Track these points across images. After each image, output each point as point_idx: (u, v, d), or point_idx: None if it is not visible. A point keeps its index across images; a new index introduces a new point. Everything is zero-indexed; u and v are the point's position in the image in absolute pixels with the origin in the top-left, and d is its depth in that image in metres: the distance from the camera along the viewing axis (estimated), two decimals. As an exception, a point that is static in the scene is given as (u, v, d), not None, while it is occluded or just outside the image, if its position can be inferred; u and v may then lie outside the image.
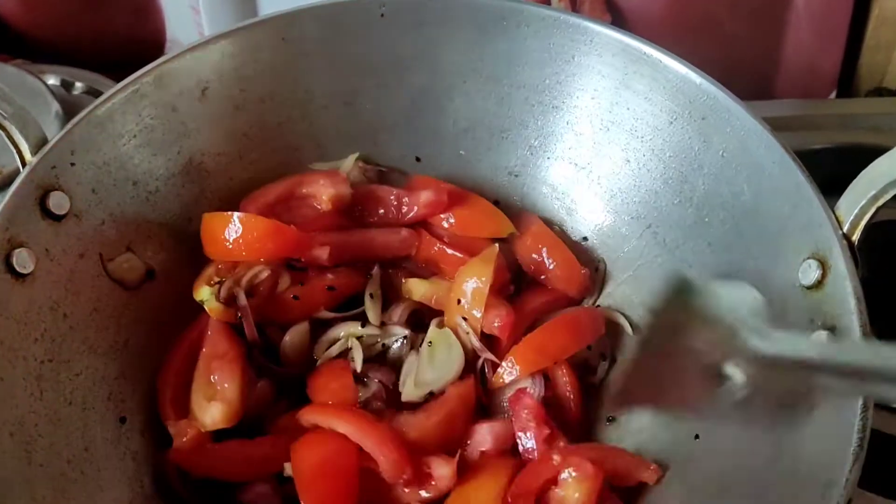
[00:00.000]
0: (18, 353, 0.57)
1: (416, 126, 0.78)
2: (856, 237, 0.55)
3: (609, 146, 0.72)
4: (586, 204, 0.74)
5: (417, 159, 0.78)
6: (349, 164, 0.76)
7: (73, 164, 0.63)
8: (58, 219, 0.62)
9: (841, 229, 0.55)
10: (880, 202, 0.54)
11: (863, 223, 0.54)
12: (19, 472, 0.52)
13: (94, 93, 0.99)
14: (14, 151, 0.62)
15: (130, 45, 1.13)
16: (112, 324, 0.65)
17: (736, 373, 0.47)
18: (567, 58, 0.71)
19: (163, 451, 0.63)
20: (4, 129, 0.62)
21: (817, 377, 0.44)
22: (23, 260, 0.59)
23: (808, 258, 0.56)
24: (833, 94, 1.07)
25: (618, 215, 0.73)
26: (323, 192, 0.73)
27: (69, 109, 0.91)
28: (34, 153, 0.62)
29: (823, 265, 0.55)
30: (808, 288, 0.56)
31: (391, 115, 0.77)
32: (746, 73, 1.07)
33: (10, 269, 0.58)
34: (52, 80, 1.02)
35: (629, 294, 0.72)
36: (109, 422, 0.62)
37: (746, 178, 0.62)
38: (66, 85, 1.04)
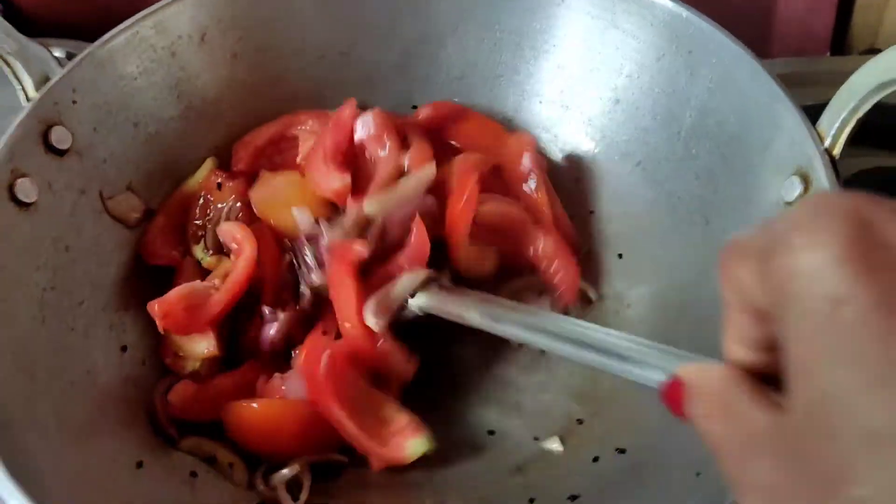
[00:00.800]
0: (21, 279, 0.58)
1: (411, 74, 0.79)
2: (837, 151, 0.56)
3: (599, 87, 0.73)
4: (577, 144, 0.76)
5: (414, 107, 0.79)
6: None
7: (74, 102, 0.65)
8: (60, 153, 0.64)
9: (822, 145, 0.56)
10: (859, 114, 0.55)
11: (843, 137, 0.56)
12: (21, 390, 0.54)
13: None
14: (18, 87, 0.64)
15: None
16: (113, 260, 0.67)
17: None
18: (557, 1, 0.73)
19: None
20: (8, 65, 0.63)
21: None
22: (25, 189, 0.60)
23: (791, 175, 0.57)
24: (826, 56, 1.08)
25: (608, 154, 0.74)
26: (312, 133, 0.75)
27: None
28: (37, 90, 0.64)
29: (806, 180, 0.56)
30: (790, 203, 0.57)
31: (386, 64, 0.79)
32: (739, 34, 1.08)
33: (14, 197, 0.59)
34: (57, 52, 1.04)
35: (620, 231, 0.73)
36: (111, 350, 0.63)
37: (732, 106, 0.64)
38: (71, 57, 1.06)
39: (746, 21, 1.07)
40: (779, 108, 0.59)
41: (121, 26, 0.68)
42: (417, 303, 0.62)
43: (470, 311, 0.59)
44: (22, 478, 0.46)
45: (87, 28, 1.07)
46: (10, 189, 0.59)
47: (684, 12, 0.66)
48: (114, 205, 0.67)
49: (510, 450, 0.64)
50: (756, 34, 1.07)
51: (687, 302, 0.65)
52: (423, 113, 0.75)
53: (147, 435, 0.60)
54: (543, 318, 0.55)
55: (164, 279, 0.69)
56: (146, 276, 0.69)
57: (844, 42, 1.09)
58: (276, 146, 0.75)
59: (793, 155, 0.57)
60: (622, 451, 0.60)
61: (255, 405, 0.61)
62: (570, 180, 0.76)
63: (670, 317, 0.66)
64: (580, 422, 0.65)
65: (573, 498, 0.58)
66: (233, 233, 0.67)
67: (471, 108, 0.78)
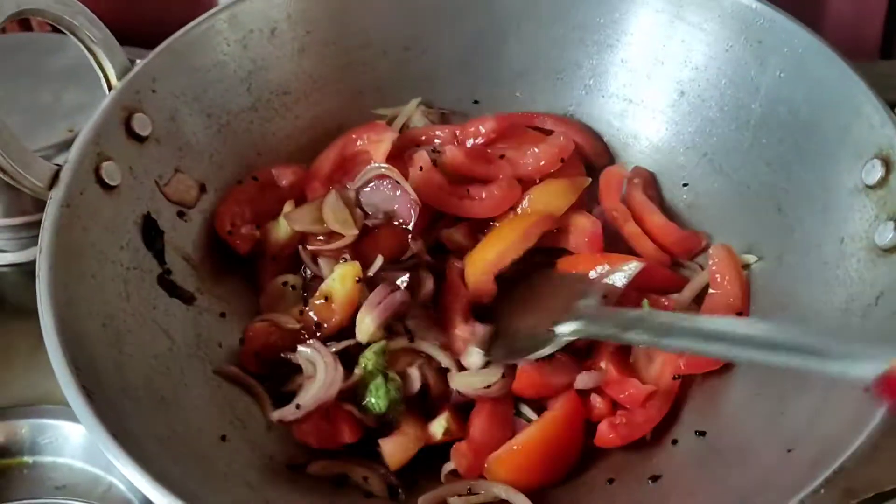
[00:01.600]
0: (107, 257, 0.60)
1: (473, 69, 0.80)
2: (918, 133, 0.56)
3: (663, 80, 0.74)
4: (642, 138, 0.76)
5: (475, 102, 0.80)
6: (411, 108, 0.79)
7: (154, 91, 0.67)
8: (141, 140, 0.65)
9: (903, 127, 0.56)
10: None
11: (924, 120, 0.56)
12: (111, 358, 0.55)
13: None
14: (101, 75, 0.66)
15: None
16: (190, 242, 0.68)
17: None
18: (621, -5, 0.74)
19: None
20: (93, 54, 0.65)
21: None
22: (111, 172, 0.62)
23: (872, 159, 0.57)
24: (877, 60, 1.08)
25: (674, 147, 0.74)
26: (372, 148, 0.75)
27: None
28: (119, 78, 0.65)
29: (887, 162, 0.56)
30: (872, 187, 0.57)
31: (449, 59, 0.80)
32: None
33: (100, 180, 0.61)
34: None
35: (689, 219, 0.73)
36: (189, 328, 0.64)
37: (805, 94, 0.64)
38: (132, 63, 1.08)
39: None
40: (855, 93, 0.60)
41: (197, 20, 0.70)
42: (568, 329, 0.60)
43: (629, 330, 0.55)
44: (119, 436, 0.47)
45: (143, 37, 1.10)
46: (97, 171, 0.61)
47: (754, 3, 0.67)
48: (171, 190, 0.68)
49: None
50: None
51: (758, 291, 0.65)
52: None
53: (230, 411, 0.61)
54: (715, 323, 0.52)
55: (241, 259, 0.70)
56: (224, 256, 0.70)
57: (893, 50, 1.09)
58: (341, 169, 0.75)
59: (873, 139, 0.58)
60: (702, 433, 0.59)
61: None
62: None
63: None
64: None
65: (654, 479, 0.57)
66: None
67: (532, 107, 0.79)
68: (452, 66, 0.80)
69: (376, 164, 0.71)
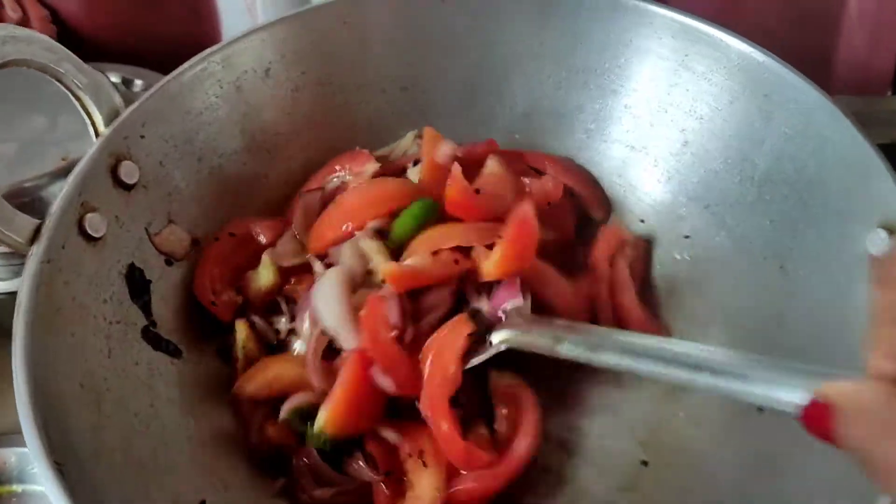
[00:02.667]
0: (90, 312, 0.58)
1: (473, 110, 0.79)
2: (927, 204, 0.54)
3: (667, 128, 0.72)
4: (643, 186, 0.74)
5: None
6: (408, 141, 0.77)
7: (143, 137, 0.65)
8: (128, 188, 0.64)
9: (911, 196, 0.54)
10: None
11: (933, 191, 0.54)
12: (88, 421, 0.53)
13: (154, 88, 1.02)
14: (88, 122, 0.64)
15: (187, 46, 1.16)
16: (177, 292, 0.67)
17: None
18: (626, 41, 0.72)
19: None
20: (79, 100, 0.64)
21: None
22: (95, 224, 0.60)
23: (877, 227, 0.55)
24: (889, 94, 1.06)
25: (675, 196, 0.72)
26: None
27: (130, 105, 0.95)
28: (107, 124, 0.64)
29: (893, 232, 0.54)
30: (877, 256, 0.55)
31: (447, 99, 0.79)
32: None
33: (83, 232, 0.59)
34: (114, 78, 1.05)
35: (689, 275, 0.71)
36: (173, 385, 0.62)
37: (811, 152, 0.62)
38: (127, 82, 1.08)
39: (807, 60, 1.06)
40: (861, 156, 0.58)
41: (190, 61, 0.69)
42: (500, 338, 0.59)
43: (561, 343, 0.55)
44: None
45: (138, 53, 1.09)
46: (80, 224, 0.59)
47: (760, 56, 0.65)
48: (161, 241, 0.66)
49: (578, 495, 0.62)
50: (816, 73, 1.05)
51: (760, 349, 0.63)
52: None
53: (210, 473, 0.59)
54: (650, 341, 0.51)
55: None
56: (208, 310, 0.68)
57: (906, 82, 1.07)
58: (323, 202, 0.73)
59: (878, 205, 0.56)
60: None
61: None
62: (635, 221, 0.75)
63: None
64: (645, 464, 0.63)
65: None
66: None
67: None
68: (451, 106, 0.79)
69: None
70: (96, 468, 0.51)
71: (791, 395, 0.35)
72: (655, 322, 0.69)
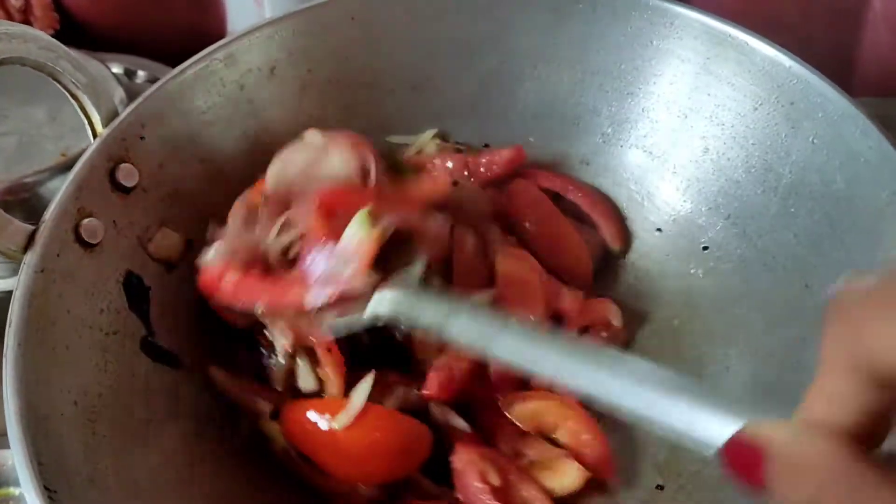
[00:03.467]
0: (85, 323, 0.56)
1: (485, 112, 0.76)
2: (963, 225, 0.51)
3: (687, 134, 0.69)
4: (661, 194, 0.72)
5: (486, 146, 0.76)
6: (426, 138, 0.75)
7: (142, 138, 0.63)
8: (126, 191, 0.61)
9: (947, 216, 0.52)
10: None
11: (973, 209, 0.51)
12: (82, 442, 0.51)
13: (156, 81, 1.00)
14: (86, 123, 0.62)
15: (192, 36, 1.13)
16: (175, 298, 0.64)
17: None
18: (645, 42, 0.69)
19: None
20: (77, 100, 0.62)
21: None
22: (92, 229, 0.58)
23: (910, 249, 0.53)
24: (912, 95, 1.03)
25: (695, 206, 0.70)
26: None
27: (133, 97, 0.92)
28: (105, 125, 0.62)
29: (926, 256, 0.51)
30: (911, 279, 0.52)
31: (459, 100, 0.76)
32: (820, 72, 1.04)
33: (79, 238, 0.57)
34: (116, 69, 1.03)
35: (707, 289, 0.68)
36: (172, 397, 0.60)
37: (839, 165, 0.59)
38: (129, 73, 1.05)
39: (829, 59, 1.02)
40: (894, 172, 0.55)
41: (191, 60, 0.66)
42: (377, 307, 0.49)
43: (451, 322, 0.45)
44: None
45: (141, 43, 1.07)
46: (76, 230, 0.57)
47: (787, 61, 0.62)
48: (155, 248, 0.64)
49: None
50: (839, 73, 1.02)
51: (783, 372, 0.61)
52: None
53: (211, 495, 0.57)
54: (555, 339, 0.43)
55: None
56: (209, 315, 0.66)
57: (931, 83, 1.03)
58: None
59: (911, 226, 0.53)
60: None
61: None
62: (651, 230, 0.72)
63: (761, 386, 0.62)
64: (660, 488, 0.61)
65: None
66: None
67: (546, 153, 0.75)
68: (463, 106, 0.76)
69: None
70: (89, 492, 0.49)
71: (716, 431, 0.30)
72: None
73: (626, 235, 0.73)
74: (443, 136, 0.76)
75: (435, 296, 0.49)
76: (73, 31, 1.11)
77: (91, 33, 1.13)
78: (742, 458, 0.28)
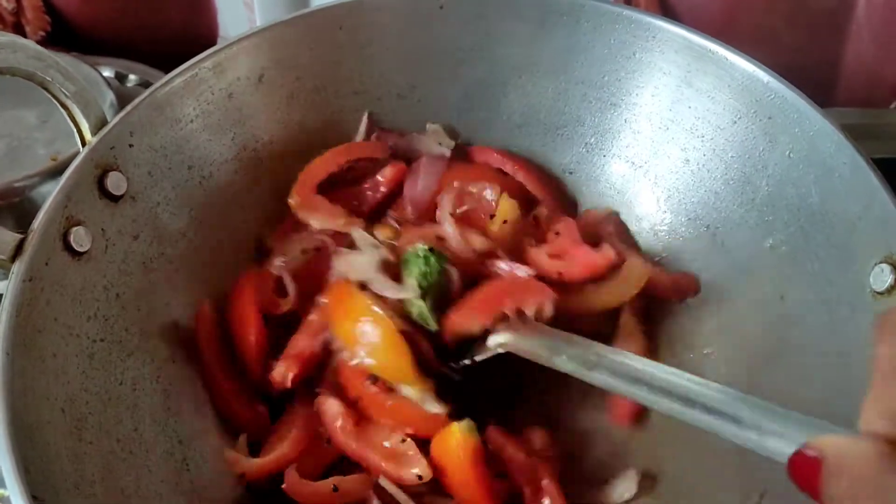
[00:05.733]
0: (73, 331, 0.57)
1: (469, 120, 0.77)
2: (933, 241, 0.53)
3: (668, 145, 0.71)
4: (642, 204, 0.73)
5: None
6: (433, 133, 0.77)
7: (131, 146, 0.64)
8: (115, 199, 0.62)
9: (918, 232, 0.53)
10: (961, 202, 0.51)
11: (942, 226, 0.52)
12: (69, 449, 0.52)
13: (147, 85, 0.99)
14: (75, 131, 0.63)
15: (183, 40, 1.13)
16: (163, 305, 0.65)
17: None
18: (628, 54, 0.70)
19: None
20: (66, 108, 0.62)
21: None
22: (80, 238, 0.59)
23: (881, 262, 0.54)
24: (895, 104, 1.04)
25: (675, 216, 0.71)
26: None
27: (123, 101, 0.92)
28: (94, 133, 0.62)
29: (897, 269, 0.53)
30: (880, 293, 0.54)
31: (444, 108, 0.77)
32: (805, 82, 1.05)
33: (68, 246, 0.58)
34: (107, 72, 1.03)
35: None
36: (158, 404, 0.61)
37: (814, 179, 0.61)
38: (120, 77, 1.06)
39: (814, 70, 1.04)
40: (867, 188, 0.56)
41: (180, 68, 0.67)
42: (498, 340, 0.59)
43: (558, 354, 0.54)
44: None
45: (133, 46, 1.07)
46: (65, 238, 0.58)
47: (765, 77, 0.63)
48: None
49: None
50: (822, 82, 1.04)
51: (757, 383, 0.62)
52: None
53: (197, 501, 0.58)
54: (647, 367, 0.50)
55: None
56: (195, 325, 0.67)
57: (914, 92, 1.05)
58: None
59: (883, 239, 0.54)
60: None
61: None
62: (627, 240, 0.73)
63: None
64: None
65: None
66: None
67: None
68: (448, 115, 0.77)
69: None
70: (76, 499, 0.50)
71: (782, 443, 0.34)
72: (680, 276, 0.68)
73: (567, 210, 0.75)
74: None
75: (540, 332, 0.59)
76: (64, 34, 1.11)
77: (82, 36, 1.14)
78: (804, 468, 0.30)
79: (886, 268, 0.53)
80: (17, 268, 0.54)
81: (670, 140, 0.70)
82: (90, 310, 0.59)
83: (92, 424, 0.55)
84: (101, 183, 0.61)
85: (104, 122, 0.63)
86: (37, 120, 0.90)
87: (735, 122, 0.66)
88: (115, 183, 0.62)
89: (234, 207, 0.72)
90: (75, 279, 0.58)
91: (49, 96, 0.63)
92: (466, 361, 0.62)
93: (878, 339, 0.30)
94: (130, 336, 0.61)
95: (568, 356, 0.54)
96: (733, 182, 0.67)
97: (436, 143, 0.76)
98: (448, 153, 0.76)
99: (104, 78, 0.97)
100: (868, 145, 0.89)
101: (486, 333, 0.61)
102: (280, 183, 0.73)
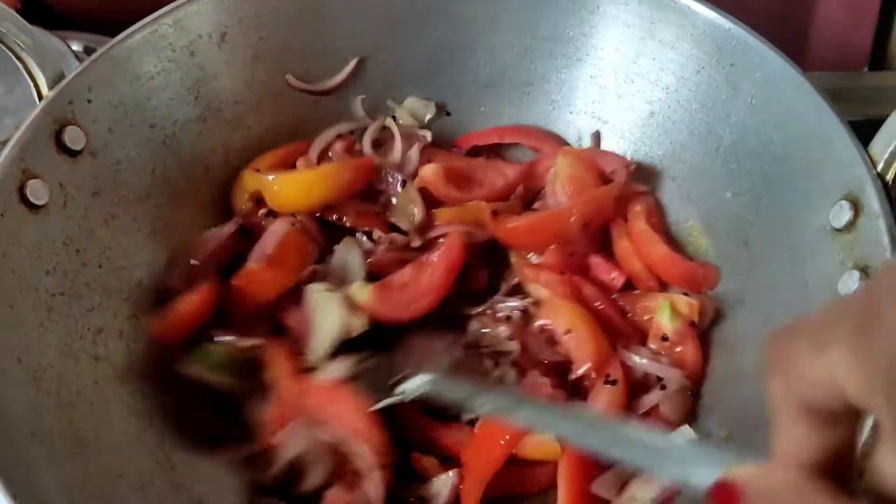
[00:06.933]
0: (30, 284, 0.56)
1: (438, 81, 0.77)
2: (890, 176, 0.53)
3: (633, 98, 0.71)
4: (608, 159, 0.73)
5: (447, 114, 0.77)
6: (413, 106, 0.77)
7: (89, 101, 0.63)
8: (73, 154, 0.61)
9: (875, 169, 0.53)
10: (916, 139, 0.52)
11: (897, 162, 0.52)
12: (25, 398, 0.51)
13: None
14: (31, 84, 0.62)
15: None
16: (125, 263, 0.64)
17: None
18: (592, 8, 0.70)
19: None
20: (22, 61, 0.61)
21: None
22: (36, 191, 0.58)
23: (840, 200, 0.54)
24: (864, 71, 1.05)
25: (640, 168, 0.71)
26: None
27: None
28: (51, 87, 0.62)
29: (856, 206, 0.53)
30: (839, 230, 0.54)
31: (411, 69, 0.76)
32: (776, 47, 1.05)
33: (24, 199, 0.57)
34: (76, 46, 1.02)
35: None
36: (120, 359, 0.61)
37: (776, 124, 0.61)
38: (90, 51, 1.04)
39: (783, 33, 1.03)
40: (827, 128, 0.56)
41: (140, 24, 0.66)
42: (411, 386, 0.57)
43: (477, 400, 0.53)
44: (22, 494, 0.44)
45: (107, 22, 1.06)
46: (21, 191, 0.57)
47: (727, 24, 0.63)
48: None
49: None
50: (792, 47, 1.03)
51: (718, 332, 0.62)
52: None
53: (155, 452, 0.58)
54: (565, 410, 0.50)
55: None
56: (158, 281, 0.66)
57: (884, 58, 1.05)
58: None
59: (842, 178, 0.54)
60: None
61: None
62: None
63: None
64: None
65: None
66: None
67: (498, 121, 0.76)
68: (415, 75, 0.77)
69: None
70: (31, 449, 0.49)
71: (703, 475, 0.33)
72: (699, 266, 0.66)
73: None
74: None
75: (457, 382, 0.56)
76: (35, 10, 1.10)
77: (52, 10, 1.12)
78: (725, 497, 0.31)
79: (846, 204, 0.53)
80: (-29, 219, 0.54)
81: (635, 93, 0.70)
82: (48, 264, 0.58)
83: (49, 376, 0.54)
84: (58, 137, 0.60)
85: (61, 77, 0.62)
86: (3, 90, 0.89)
87: (698, 72, 0.66)
88: (72, 138, 0.61)
89: (199, 168, 0.71)
90: (33, 233, 0.57)
91: (15, 65, 0.63)
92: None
93: (766, 371, 0.30)
94: (91, 292, 0.61)
95: (485, 402, 0.52)
96: (697, 132, 0.67)
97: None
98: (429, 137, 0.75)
99: (73, 51, 0.96)
100: (842, 108, 0.91)
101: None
102: (245, 143, 0.73)
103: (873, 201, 0.52)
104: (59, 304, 0.58)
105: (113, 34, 1.01)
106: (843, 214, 0.54)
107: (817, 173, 0.57)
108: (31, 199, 0.57)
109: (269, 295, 0.65)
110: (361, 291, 0.63)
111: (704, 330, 0.63)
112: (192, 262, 0.67)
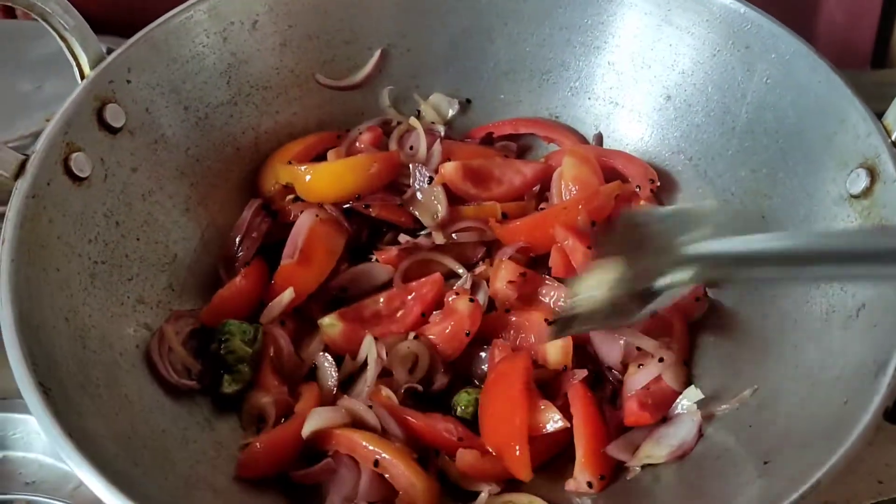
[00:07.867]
0: (74, 250, 0.58)
1: (458, 68, 0.79)
2: (904, 144, 0.55)
3: (650, 83, 0.73)
4: (626, 142, 0.75)
5: (468, 101, 0.80)
6: (437, 103, 0.80)
7: (129, 82, 0.65)
8: (113, 131, 0.64)
9: (890, 137, 0.55)
10: (928, 108, 0.54)
11: (911, 130, 0.55)
12: (73, 354, 0.53)
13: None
14: (74, 64, 0.64)
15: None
16: (162, 238, 0.66)
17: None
18: (610, -4, 0.73)
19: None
20: (65, 41, 0.64)
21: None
22: (80, 164, 0.60)
23: (857, 168, 0.56)
24: (867, 70, 1.08)
25: (658, 151, 0.73)
26: None
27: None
28: (93, 67, 0.64)
29: (872, 172, 0.55)
30: (856, 196, 0.56)
31: (433, 56, 0.79)
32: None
33: (69, 171, 0.59)
34: (99, 48, 1.04)
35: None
36: (159, 325, 0.62)
37: (791, 101, 0.63)
38: (110, 52, 1.07)
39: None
40: (842, 101, 0.59)
41: (176, 10, 0.69)
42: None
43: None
44: (75, 435, 0.46)
45: (125, 25, 1.08)
46: (66, 162, 0.59)
47: (742, 8, 0.66)
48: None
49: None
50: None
51: (740, 300, 0.64)
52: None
53: (195, 415, 0.59)
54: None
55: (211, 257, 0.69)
56: (193, 256, 0.68)
57: (886, 56, 1.08)
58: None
59: (858, 148, 0.57)
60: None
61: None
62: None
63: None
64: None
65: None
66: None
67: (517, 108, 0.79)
68: (437, 63, 0.79)
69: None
70: (82, 399, 0.51)
71: None
72: None
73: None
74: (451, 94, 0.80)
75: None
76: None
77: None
78: None
79: (862, 172, 0.56)
80: (21, 185, 0.56)
81: (652, 78, 0.73)
82: (91, 233, 0.60)
83: (94, 336, 0.56)
84: (99, 114, 0.63)
85: (102, 58, 0.65)
86: (32, 84, 0.91)
87: (714, 56, 0.68)
88: (113, 115, 0.63)
89: (230, 150, 0.73)
90: (76, 203, 0.59)
91: (47, 57, 0.64)
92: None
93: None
94: (130, 262, 0.63)
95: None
96: (714, 113, 0.69)
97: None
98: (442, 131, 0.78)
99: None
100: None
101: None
102: (274, 126, 0.75)
103: (889, 167, 0.54)
104: (101, 272, 0.60)
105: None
106: (859, 181, 0.56)
107: (833, 144, 0.59)
108: (75, 171, 0.60)
109: (308, 287, 0.68)
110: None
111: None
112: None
